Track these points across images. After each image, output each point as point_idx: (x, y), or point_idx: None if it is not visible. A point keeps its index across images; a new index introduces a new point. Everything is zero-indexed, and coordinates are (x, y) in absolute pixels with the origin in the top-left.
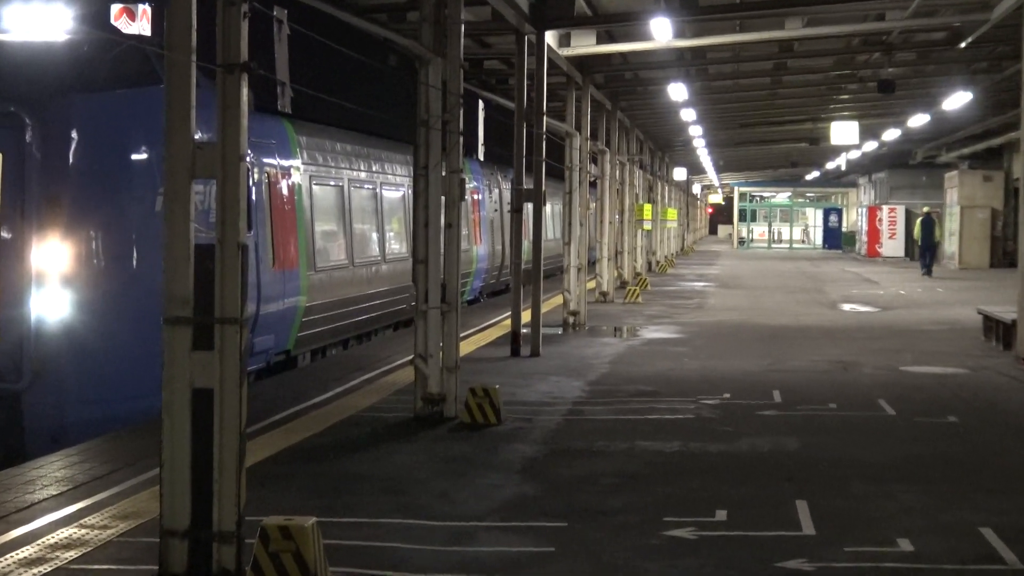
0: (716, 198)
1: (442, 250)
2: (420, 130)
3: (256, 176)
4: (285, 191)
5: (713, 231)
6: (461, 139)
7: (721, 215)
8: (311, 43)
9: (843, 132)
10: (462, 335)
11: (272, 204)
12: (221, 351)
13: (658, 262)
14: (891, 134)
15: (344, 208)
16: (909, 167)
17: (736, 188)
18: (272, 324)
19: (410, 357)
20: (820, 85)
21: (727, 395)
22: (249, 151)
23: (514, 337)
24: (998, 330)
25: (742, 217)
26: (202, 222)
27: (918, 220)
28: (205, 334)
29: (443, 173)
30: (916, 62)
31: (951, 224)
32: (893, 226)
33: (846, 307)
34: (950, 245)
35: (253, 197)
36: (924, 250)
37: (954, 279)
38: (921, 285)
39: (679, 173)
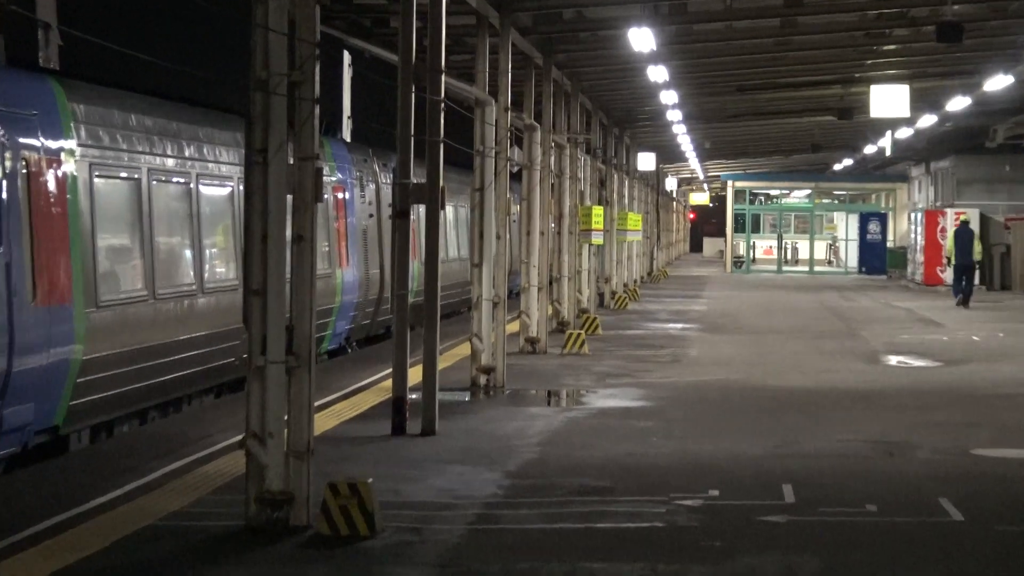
0: (701, 198)
1: (288, 275)
2: (256, 96)
3: (7, 164)
4: (52, 187)
5: (696, 246)
6: (318, 109)
7: (708, 223)
8: None
9: (887, 100)
10: (319, 403)
11: (32, 206)
12: None
13: (614, 293)
14: (958, 103)
15: (142, 212)
16: (985, 152)
17: (730, 184)
18: (31, 387)
19: (240, 436)
20: (854, 31)
21: (714, 492)
22: None
23: (397, 406)
24: None
25: (739, 226)
26: None
27: (951, 232)
28: None
29: (290, 160)
30: None
31: None
32: None
33: (892, 360)
34: None
35: (3, 196)
36: (959, 272)
37: None
38: (1004, 328)
39: (645, 161)
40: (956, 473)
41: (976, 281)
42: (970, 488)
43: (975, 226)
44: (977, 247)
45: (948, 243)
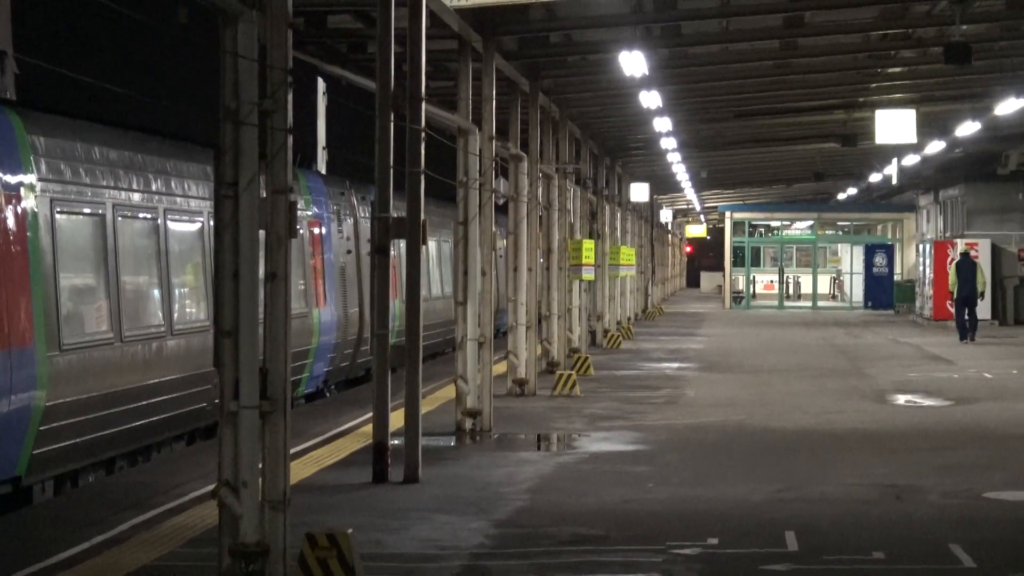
0: (697, 230)
1: (261, 316)
2: (225, 126)
3: None
4: (11, 224)
5: (693, 281)
6: (291, 140)
7: (706, 257)
8: None
9: (893, 126)
10: (296, 449)
11: None
12: None
13: (606, 331)
14: (968, 128)
15: (107, 250)
16: (997, 179)
17: (728, 215)
18: None
19: (213, 486)
20: (857, 53)
21: (713, 541)
22: None
23: (379, 452)
24: None
25: (738, 260)
26: None
27: (952, 264)
28: None
29: (262, 193)
30: (1004, 15)
31: None
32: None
33: (900, 399)
34: None
35: None
36: (960, 305)
37: None
38: (1017, 365)
39: (638, 192)
40: (968, 518)
41: (987, 315)
42: (983, 534)
43: (986, 257)
44: (980, 278)
45: (951, 276)
